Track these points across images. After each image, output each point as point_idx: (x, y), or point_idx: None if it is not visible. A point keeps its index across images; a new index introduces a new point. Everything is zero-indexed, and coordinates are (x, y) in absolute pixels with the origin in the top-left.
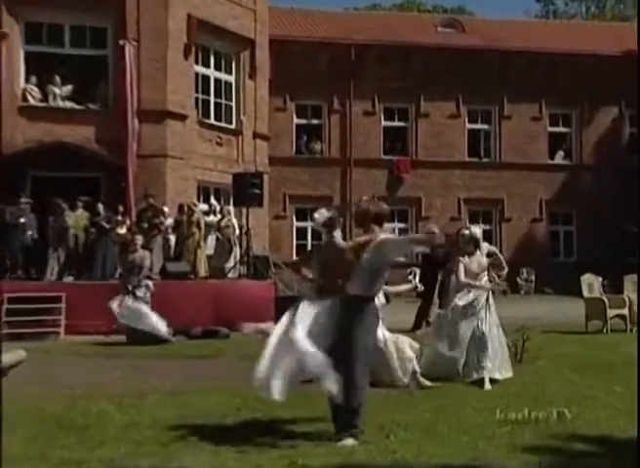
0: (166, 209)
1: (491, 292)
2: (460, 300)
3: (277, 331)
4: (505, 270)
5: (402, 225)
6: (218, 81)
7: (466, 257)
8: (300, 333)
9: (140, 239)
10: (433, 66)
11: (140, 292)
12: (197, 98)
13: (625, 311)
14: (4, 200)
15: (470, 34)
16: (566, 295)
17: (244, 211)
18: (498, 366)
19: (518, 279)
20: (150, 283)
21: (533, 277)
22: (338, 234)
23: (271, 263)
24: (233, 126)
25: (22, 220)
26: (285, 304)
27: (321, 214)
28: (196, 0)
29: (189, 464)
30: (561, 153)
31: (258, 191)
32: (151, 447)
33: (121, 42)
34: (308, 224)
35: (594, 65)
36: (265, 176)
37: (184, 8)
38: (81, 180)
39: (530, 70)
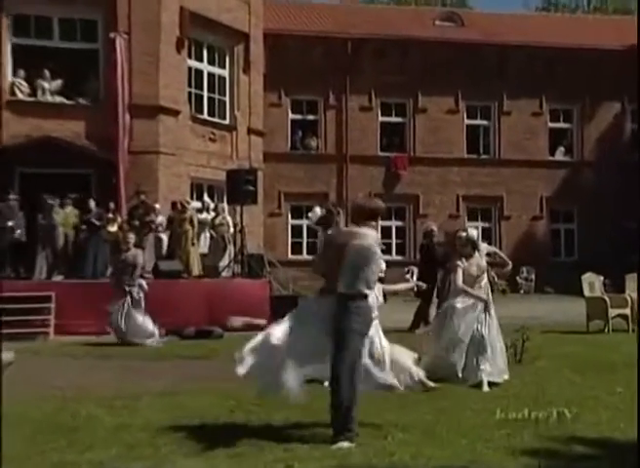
0: (157, 206)
1: (490, 295)
2: (458, 303)
3: (277, 329)
4: (510, 265)
5: (399, 223)
6: (211, 75)
7: (465, 261)
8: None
9: (132, 237)
10: (431, 61)
11: (135, 294)
12: (190, 93)
13: (627, 311)
14: None
15: (469, 28)
16: (567, 295)
17: (238, 208)
18: (498, 369)
19: (518, 278)
20: (144, 283)
21: (533, 276)
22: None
23: (266, 262)
24: (227, 121)
25: (10, 224)
26: (280, 303)
27: (314, 213)
28: None
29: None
30: (562, 149)
31: (252, 188)
32: (143, 449)
33: (112, 35)
34: (304, 222)
35: (596, 60)
36: (260, 173)
37: (177, 0)
38: (71, 177)
39: (530, 65)
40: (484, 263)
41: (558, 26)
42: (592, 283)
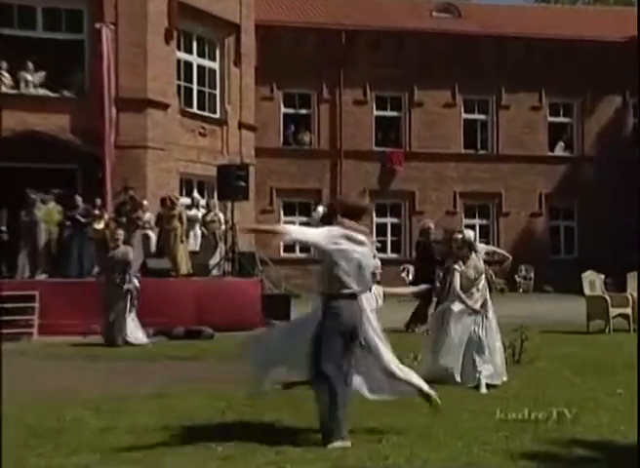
0: (145, 202)
1: (488, 296)
2: (455, 306)
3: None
4: (510, 259)
5: (395, 220)
6: (201, 68)
7: (462, 264)
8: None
9: (121, 233)
10: (428, 53)
11: (133, 291)
12: (179, 86)
13: (628, 310)
14: None
15: (467, 19)
16: (566, 294)
17: (229, 205)
18: (496, 371)
19: (516, 276)
20: (136, 282)
21: (532, 274)
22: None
23: (258, 260)
24: (217, 115)
25: None
26: (272, 303)
27: (317, 213)
28: None
29: None
30: (561, 144)
31: (243, 184)
32: (130, 453)
33: (97, 26)
34: (296, 219)
35: (597, 52)
36: (251, 169)
37: None
38: (55, 172)
39: (529, 57)
40: (482, 265)
41: (558, 18)
42: (593, 281)
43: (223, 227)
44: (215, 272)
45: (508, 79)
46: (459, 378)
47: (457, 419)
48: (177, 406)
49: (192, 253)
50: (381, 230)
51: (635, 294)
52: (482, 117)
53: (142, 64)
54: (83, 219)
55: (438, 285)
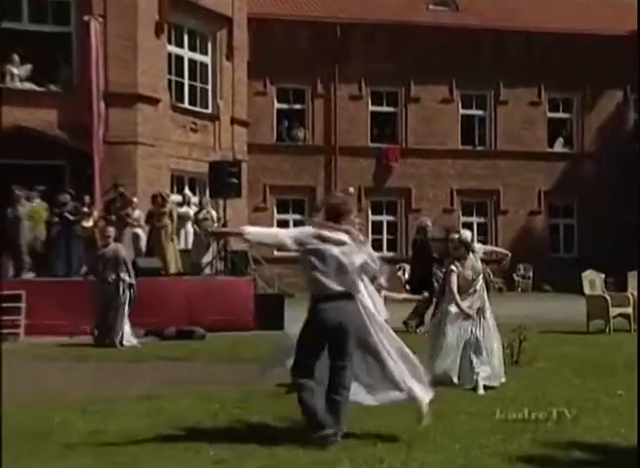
0: (135, 199)
1: (486, 296)
2: (453, 307)
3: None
4: (509, 255)
5: (391, 218)
6: (192, 62)
7: (459, 265)
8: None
9: (112, 231)
10: (425, 47)
11: (128, 290)
12: (170, 81)
13: (629, 310)
14: None
15: (465, 13)
16: (566, 293)
17: (221, 202)
18: (494, 372)
19: (515, 275)
20: (128, 279)
21: (530, 273)
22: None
23: (250, 259)
24: (209, 111)
25: None
26: (265, 302)
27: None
28: None
29: None
30: (561, 140)
31: (235, 181)
32: (119, 457)
33: (86, 18)
34: (290, 217)
35: (597, 46)
36: (244, 165)
37: None
38: (43, 168)
39: (528, 51)
40: (479, 265)
41: (558, 11)
42: (593, 280)
43: (216, 225)
44: (207, 271)
45: (507, 74)
46: (456, 380)
47: (454, 421)
48: (167, 408)
49: (184, 252)
50: (377, 228)
51: (636, 294)
52: (480, 113)
53: (132, 58)
54: (72, 217)
55: (436, 284)
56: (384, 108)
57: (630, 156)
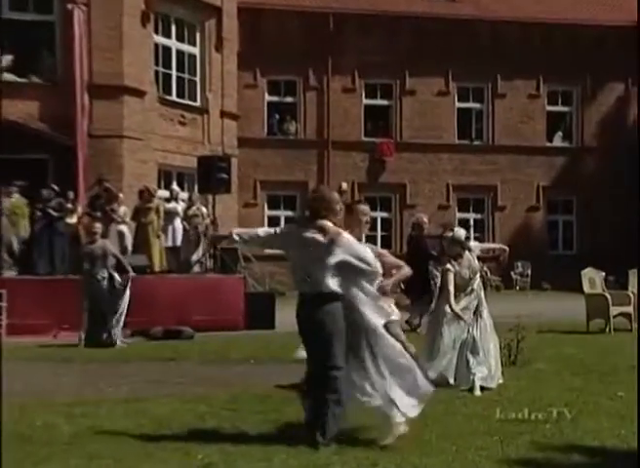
0: (121, 195)
1: (483, 296)
2: (448, 307)
3: None
4: (507, 250)
5: (385, 214)
6: (180, 53)
7: (456, 264)
8: None
9: (99, 227)
10: (420, 38)
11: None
12: (157, 72)
13: (630, 309)
14: None
15: (461, 3)
16: (565, 291)
17: (210, 198)
18: (491, 373)
19: (513, 273)
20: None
21: (529, 271)
22: None
23: (240, 256)
24: (198, 103)
25: None
26: (255, 301)
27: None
28: None
29: None
30: (560, 134)
31: (225, 176)
32: (104, 460)
33: (69, 6)
34: (281, 213)
35: (597, 37)
36: (234, 160)
37: None
38: (25, 163)
39: (526, 43)
40: (476, 264)
41: (557, 1)
42: (592, 279)
43: (207, 221)
44: (196, 269)
45: (505, 66)
46: (452, 380)
47: (450, 423)
48: (154, 410)
49: (172, 249)
50: (371, 225)
51: (637, 292)
52: (477, 106)
53: (118, 49)
54: (55, 213)
55: (432, 283)
56: (379, 101)
57: (631, 150)
